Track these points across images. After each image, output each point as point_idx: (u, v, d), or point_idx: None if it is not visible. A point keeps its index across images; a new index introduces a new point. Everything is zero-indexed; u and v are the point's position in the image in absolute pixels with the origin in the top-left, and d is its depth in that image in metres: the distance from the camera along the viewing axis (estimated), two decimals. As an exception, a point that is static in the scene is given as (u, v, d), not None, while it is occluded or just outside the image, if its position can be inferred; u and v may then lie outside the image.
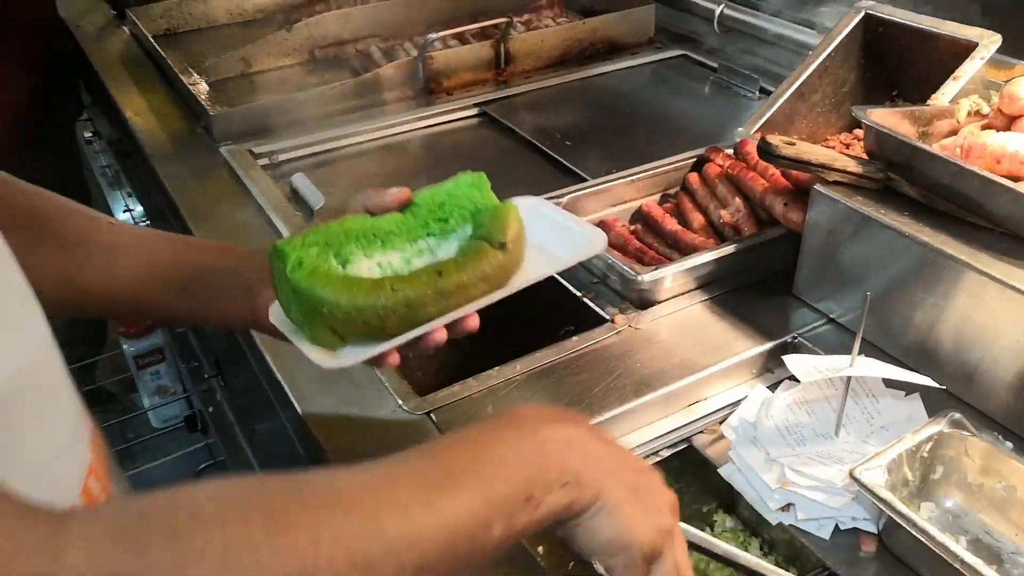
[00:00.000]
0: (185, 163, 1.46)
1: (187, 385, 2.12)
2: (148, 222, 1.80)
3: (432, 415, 0.92)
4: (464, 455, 0.57)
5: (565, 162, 1.42)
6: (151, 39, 1.88)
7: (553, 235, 0.79)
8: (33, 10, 2.11)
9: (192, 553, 0.43)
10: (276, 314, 0.74)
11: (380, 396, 0.94)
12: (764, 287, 1.11)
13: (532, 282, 0.76)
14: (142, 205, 1.83)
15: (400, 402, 0.93)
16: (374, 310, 0.69)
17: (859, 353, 0.87)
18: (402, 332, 0.70)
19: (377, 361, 0.72)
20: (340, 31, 1.90)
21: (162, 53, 1.79)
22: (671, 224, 1.19)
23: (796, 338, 1.03)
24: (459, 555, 0.53)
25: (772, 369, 1.03)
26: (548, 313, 1.18)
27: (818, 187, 1.02)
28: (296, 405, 0.94)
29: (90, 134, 2.50)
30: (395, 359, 0.74)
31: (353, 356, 0.71)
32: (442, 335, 0.73)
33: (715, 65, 1.76)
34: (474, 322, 0.75)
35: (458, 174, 0.80)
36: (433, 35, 1.65)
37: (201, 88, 1.75)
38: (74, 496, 0.57)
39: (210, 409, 1.73)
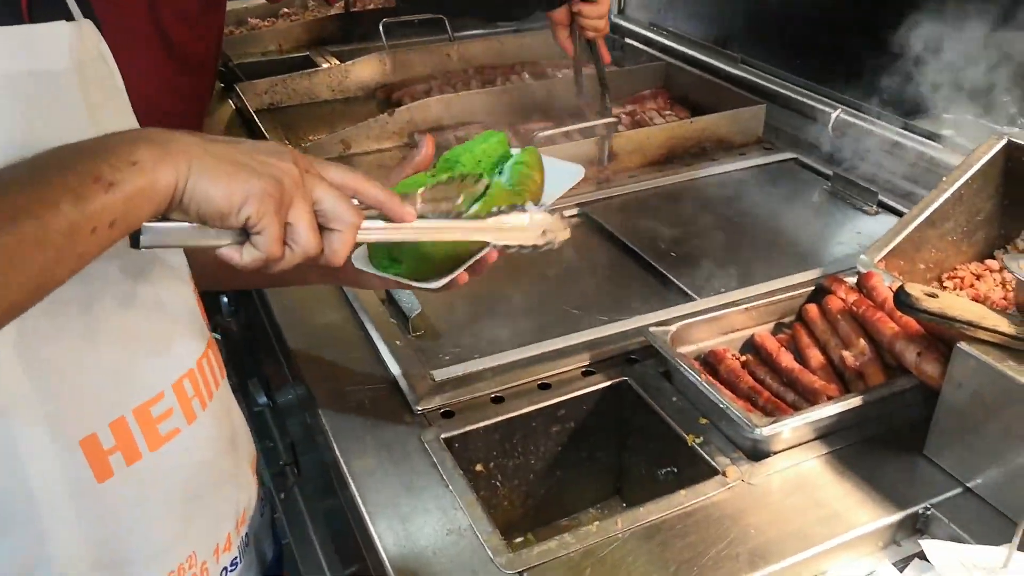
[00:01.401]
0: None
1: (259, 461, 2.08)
2: (235, 308, 1.79)
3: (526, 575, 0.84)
4: (27, 165, 0.61)
5: (670, 276, 1.35)
6: (253, 113, 1.89)
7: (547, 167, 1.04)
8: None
9: None
10: (361, 260, 0.94)
11: (470, 547, 0.88)
12: (890, 442, 1.01)
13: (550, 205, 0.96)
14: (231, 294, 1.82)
15: (491, 555, 0.87)
16: (463, 246, 0.90)
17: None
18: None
19: (455, 283, 0.91)
20: (441, 116, 1.89)
21: (262, 128, 1.80)
22: (787, 360, 1.10)
23: (929, 509, 0.93)
24: (25, 238, 0.57)
25: (899, 542, 0.93)
26: (648, 452, 1.10)
27: (963, 346, 0.93)
28: (380, 550, 0.88)
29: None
30: (465, 277, 0.92)
31: (442, 280, 0.89)
32: (493, 255, 0.92)
33: (829, 172, 1.68)
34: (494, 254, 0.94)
35: (484, 133, 1.02)
36: (539, 133, 1.60)
37: (300, 170, 1.75)
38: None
39: (282, 495, 1.69)
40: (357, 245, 0.78)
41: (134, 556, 0.80)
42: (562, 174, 1.04)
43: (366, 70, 2.19)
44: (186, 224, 0.68)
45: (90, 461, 0.75)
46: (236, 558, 0.93)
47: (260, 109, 2.03)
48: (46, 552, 0.74)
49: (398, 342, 1.17)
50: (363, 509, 0.93)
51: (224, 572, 0.92)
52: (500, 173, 1.00)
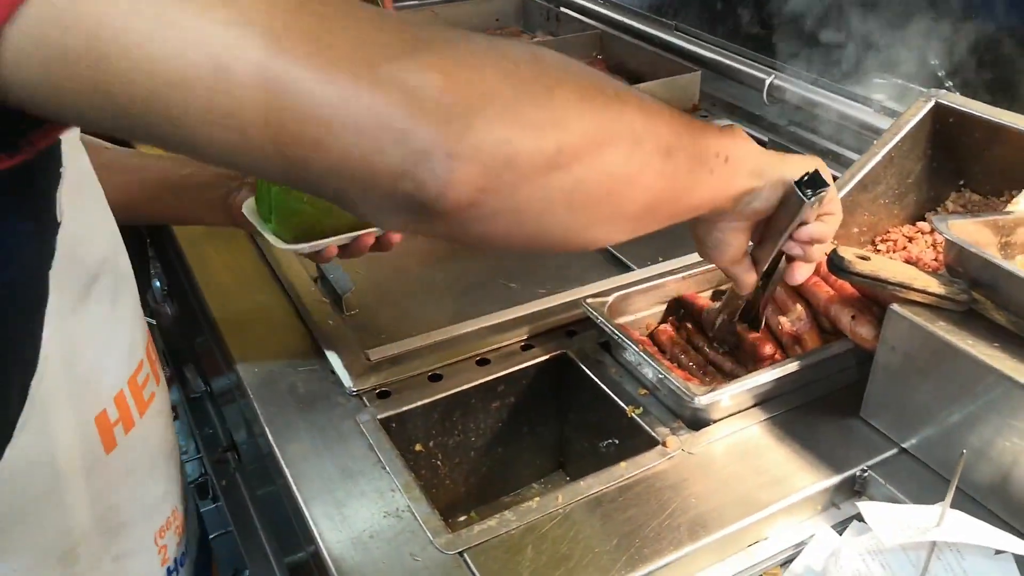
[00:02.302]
0: (206, 232, 1.39)
1: (199, 446, 2.04)
2: (167, 290, 1.73)
3: (466, 556, 0.83)
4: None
5: (608, 247, 1.34)
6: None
7: None
8: None
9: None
10: (248, 208, 0.98)
11: (409, 529, 0.86)
12: (828, 406, 1.02)
13: None
14: (160, 262, 1.75)
15: (430, 537, 0.85)
16: (340, 219, 0.95)
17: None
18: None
19: (321, 254, 1.00)
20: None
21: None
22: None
23: (866, 471, 0.94)
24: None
25: (839, 504, 0.94)
26: (590, 426, 1.09)
27: (895, 307, 0.93)
28: (316, 536, 0.85)
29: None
30: (334, 252, 1.00)
31: (302, 246, 0.96)
32: (371, 238, 0.99)
33: (764, 139, 1.68)
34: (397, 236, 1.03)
35: None
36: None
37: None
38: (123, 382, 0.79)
39: (223, 482, 1.65)
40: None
41: (131, 519, 0.83)
42: None
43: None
44: None
45: (101, 435, 0.76)
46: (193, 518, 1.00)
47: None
48: (66, 524, 0.75)
49: (331, 321, 1.14)
50: (298, 495, 0.91)
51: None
52: None
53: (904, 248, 1.27)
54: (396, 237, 0.99)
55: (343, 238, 0.95)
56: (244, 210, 0.99)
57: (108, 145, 1.12)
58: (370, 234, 0.97)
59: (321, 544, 0.85)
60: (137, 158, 1.15)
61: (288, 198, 0.93)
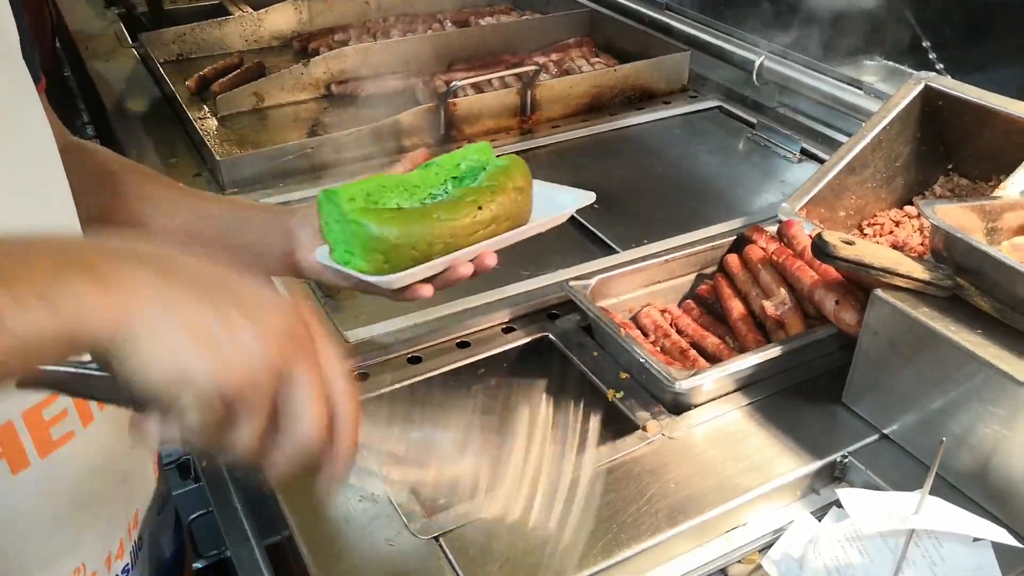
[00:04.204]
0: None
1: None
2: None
3: (441, 541, 0.82)
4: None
5: (593, 229, 1.33)
6: (160, 67, 1.79)
7: (546, 199, 0.93)
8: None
9: None
10: (323, 255, 0.84)
11: (384, 514, 0.85)
12: (810, 391, 1.01)
13: (547, 223, 0.91)
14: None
15: (405, 521, 0.84)
16: (423, 236, 0.80)
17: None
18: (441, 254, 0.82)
19: (414, 291, 0.84)
20: (359, 66, 1.81)
21: (171, 84, 1.71)
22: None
23: (846, 457, 0.93)
24: None
25: (819, 490, 0.93)
26: (573, 410, 1.08)
27: (879, 292, 0.92)
28: (290, 519, 0.84)
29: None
30: (429, 290, 0.85)
31: (399, 276, 0.81)
32: (468, 268, 0.84)
33: (753, 120, 1.66)
34: (493, 259, 0.87)
35: (467, 147, 0.92)
36: (457, 82, 1.55)
37: (210, 124, 1.67)
38: None
39: (204, 463, 1.64)
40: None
41: (21, 568, 0.74)
42: (562, 197, 0.94)
43: (281, 18, 2.09)
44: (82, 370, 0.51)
45: None
46: (128, 565, 0.86)
47: (167, 61, 1.93)
48: None
49: (310, 302, 1.13)
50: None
51: None
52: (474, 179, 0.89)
53: (891, 232, 1.26)
54: (490, 260, 0.86)
55: (438, 263, 0.82)
56: (319, 257, 0.84)
57: (170, 181, 1.00)
58: (463, 263, 0.84)
59: (295, 528, 0.84)
60: (200, 197, 0.99)
61: (371, 222, 0.79)
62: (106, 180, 0.92)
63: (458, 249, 0.82)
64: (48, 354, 0.47)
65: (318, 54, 1.84)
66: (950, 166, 1.33)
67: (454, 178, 0.89)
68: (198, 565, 1.90)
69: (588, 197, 0.94)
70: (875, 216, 1.30)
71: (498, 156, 0.92)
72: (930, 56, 1.57)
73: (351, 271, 0.81)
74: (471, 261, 0.85)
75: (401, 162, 0.93)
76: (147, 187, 0.94)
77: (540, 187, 0.92)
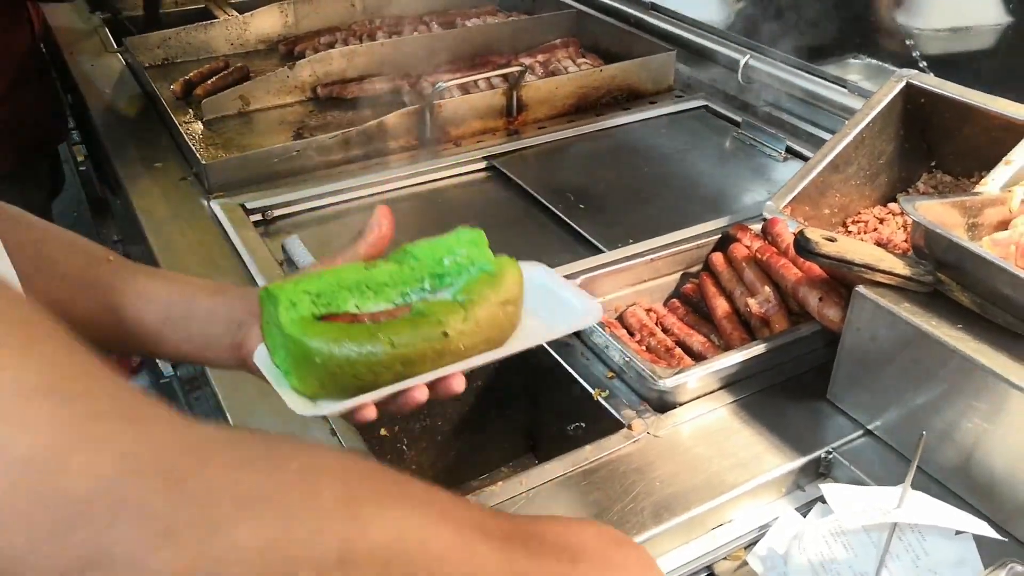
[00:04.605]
0: (172, 214, 1.37)
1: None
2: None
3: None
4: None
5: (579, 228, 1.33)
6: (145, 72, 1.79)
7: (545, 299, 0.76)
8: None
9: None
10: (260, 357, 0.71)
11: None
12: (795, 388, 1.02)
13: (527, 348, 0.72)
14: (123, 246, 1.73)
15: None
16: (368, 364, 0.65)
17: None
18: (389, 384, 0.66)
19: (354, 414, 0.67)
20: (345, 68, 1.81)
21: (156, 89, 1.70)
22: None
23: (831, 453, 0.94)
24: None
25: (803, 487, 0.93)
26: (559, 409, 1.09)
27: (861, 289, 0.93)
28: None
29: (83, 158, 2.39)
30: (372, 413, 0.68)
31: (333, 406, 0.66)
32: (424, 394, 0.68)
33: (738, 119, 1.67)
34: (461, 383, 0.70)
35: (457, 229, 0.75)
36: (443, 84, 1.55)
37: (195, 128, 1.66)
38: None
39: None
40: None
41: None
42: (562, 309, 0.75)
43: (267, 22, 2.09)
44: None
45: None
46: None
47: (152, 65, 1.93)
48: None
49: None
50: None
51: None
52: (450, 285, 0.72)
53: (875, 229, 1.27)
54: (457, 386, 0.70)
55: (383, 392, 0.66)
56: (256, 360, 0.71)
57: (112, 257, 0.88)
58: (418, 386, 0.67)
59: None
60: (146, 277, 0.86)
61: (307, 340, 0.65)
62: (30, 254, 0.80)
63: (412, 376, 0.66)
64: None
65: (304, 57, 1.84)
66: (933, 163, 1.34)
67: (434, 275, 0.72)
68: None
69: (594, 313, 0.75)
70: (859, 213, 1.31)
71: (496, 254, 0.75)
72: (914, 54, 1.58)
73: (283, 391, 0.67)
74: (428, 385, 0.68)
75: (364, 236, 0.76)
76: (66, 265, 0.84)
77: (538, 277, 0.77)
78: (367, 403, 0.66)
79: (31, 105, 1.84)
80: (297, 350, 0.65)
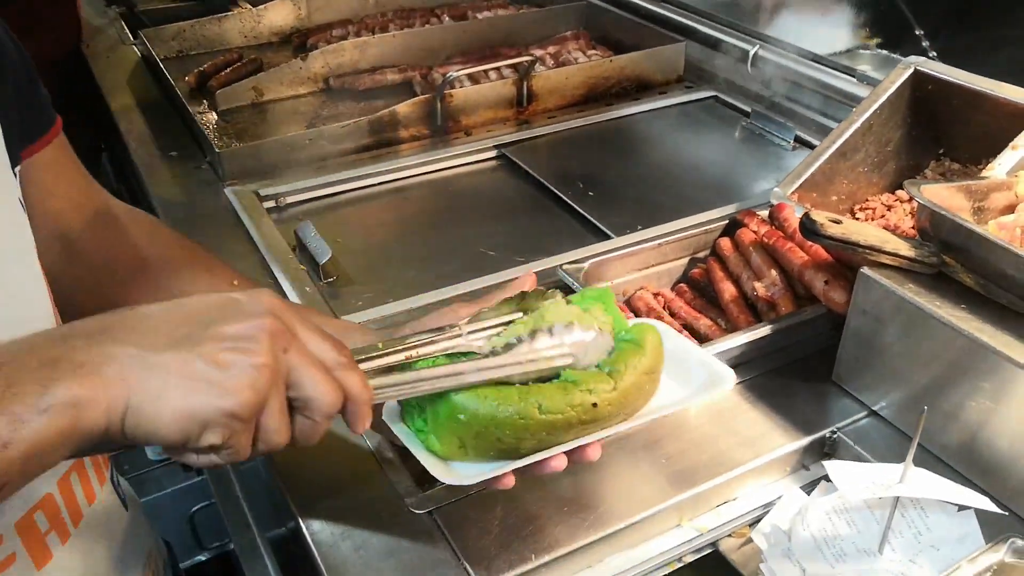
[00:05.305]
0: (187, 202, 1.39)
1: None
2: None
3: (436, 516, 0.83)
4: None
5: (588, 216, 1.34)
6: (160, 63, 1.81)
7: (676, 363, 0.76)
8: (58, 49, 2.01)
9: None
10: (390, 415, 0.71)
11: (379, 487, 0.87)
12: (801, 370, 1.03)
13: (665, 414, 0.74)
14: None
15: (402, 496, 0.85)
16: (513, 427, 0.65)
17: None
18: (531, 452, 0.66)
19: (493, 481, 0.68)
20: (357, 60, 1.83)
21: (171, 79, 1.73)
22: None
23: (836, 433, 0.95)
24: None
25: (808, 466, 0.94)
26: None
27: (866, 270, 0.94)
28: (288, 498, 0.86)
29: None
30: (511, 481, 0.69)
31: (476, 473, 0.67)
32: (563, 463, 0.69)
33: (748, 109, 1.68)
34: (598, 452, 0.72)
35: (584, 290, 0.76)
36: (453, 73, 1.57)
37: (210, 118, 1.69)
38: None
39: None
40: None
41: None
42: (694, 374, 0.76)
43: (280, 14, 2.11)
44: None
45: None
46: None
47: (167, 57, 1.95)
48: None
49: (307, 288, 1.14)
50: (273, 457, 0.91)
51: None
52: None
53: (883, 216, 1.27)
54: (594, 454, 0.71)
55: (527, 461, 0.67)
56: (386, 419, 0.72)
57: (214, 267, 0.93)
58: (559, 455, 0.69)
59: (300, 518, 0.85)
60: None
61: (454, 396, 0.66)
62: (136, 271, 0.86)
63: (554, 444, 0.67)
64: (61, 455, 0.51)
65: (316, 49, 1.86)
66: (941, 150, 1.34)
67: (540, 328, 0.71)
68: (200, 557, 1.91)
69: (728, 380, 0.75)
70: (867, 201, 1.31)
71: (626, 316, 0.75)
72: (923, 44, 1.59)
73: (419, 452, 0.68)
74: (566, 453, 0.69)
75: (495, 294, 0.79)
76: (195, 284, 0.87)
77: (668, 340, 0.76)
78: (508, 472, 0.67)
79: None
80: (443, 407, 0.66)
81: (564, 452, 0.68)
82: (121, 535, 0.83)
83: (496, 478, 0.67)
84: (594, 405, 0.66)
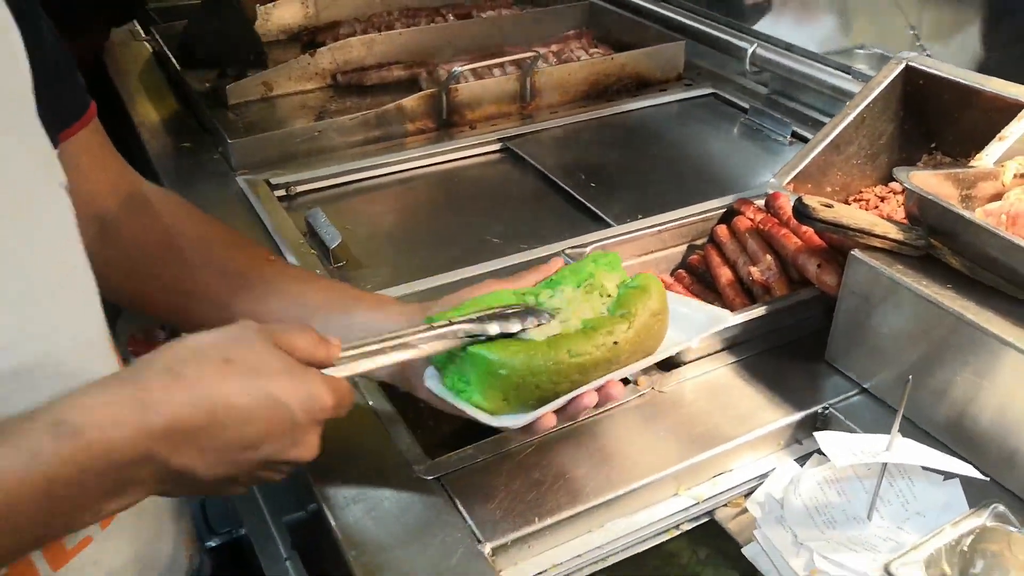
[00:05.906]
0: (199, 191, 1.43)
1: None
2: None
3: (444, 482, 0.87)
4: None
5: (590, 205, 1.38)
6: (172, 59, 1.85)
7: (677, 309, 0.86)
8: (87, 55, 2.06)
9: None
10: (432, 381, 0.79)
11: (391, 454, 0.90)
12: (794, 350, 1.07)
13: (679, 349, 0.86)
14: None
15: (411, 463, 0.89)
16: (549, 373, 0.74)
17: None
18: (567, 393, 0.75)
19: (536, 423, 0.76)
20: (364, 56, 1.87)
21: (182, 74, 1.77)
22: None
23: (827, 409, 0.98)
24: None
25: (801, 440, 0.98)
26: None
27: (856, 252, 0.98)
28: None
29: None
30: (553, 420, 0.77)
31: (523, 417, 0.74)
32: (594, 399, 0.77)
33: (746, 106, 1.72)
34: (622, 390, 0.82)
35: (592, 253, 0.89)
36: (458, 68, 1.61)
37: (220, 112, 1.72)
38: None
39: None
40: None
41: None
42: (695, 315, 0.87)
43: (288, 13, 2.14)
44: None
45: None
46: None
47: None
48: None
49: (318, 272, 1.18)
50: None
51: None
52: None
53: (876, 207, 1.31)
54: (617, 392, 0.80)
55: (564, 400, 0.76)
56: (429, 385, 0.79)
57: (273, 257, 0.97)
58: (589, 392, 0.77)
59: (308, 474, 0.89)
60: (304, 282, 0.92)
61: (492, 355, 0.74)
62: (169, 251, 0.89)
63: (585, 383, 0.75)
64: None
65: (324, 46, 1.90)
66: (933, 144, 1.38)
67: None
68: (211, 543, 1.95)
69: (724, 318, 0.88)
70: (861, 192, 1.35)
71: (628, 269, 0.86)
72: (918, 43, 1.63)
73: (466, 407, 0.75)
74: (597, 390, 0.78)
75: (531, 273, 0.87)
76: (231, 261, 0.89)
77: (670, 302, 0.85)
78: (550, 412, 0.75)
79: None
80: (483, 366, 0.74)
81: (594, 390, 0.77)
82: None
83: (539, 418, 0.75)
84: (615, 343, 0.76)
